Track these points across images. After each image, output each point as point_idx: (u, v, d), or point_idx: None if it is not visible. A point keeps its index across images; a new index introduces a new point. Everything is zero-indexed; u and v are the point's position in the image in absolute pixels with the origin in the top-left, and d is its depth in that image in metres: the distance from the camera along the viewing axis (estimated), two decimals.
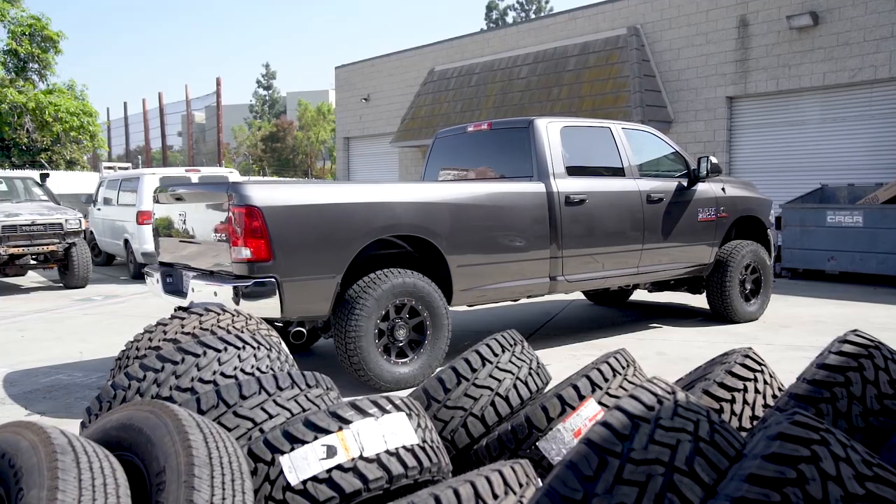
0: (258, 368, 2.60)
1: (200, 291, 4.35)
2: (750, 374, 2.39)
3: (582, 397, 2.40)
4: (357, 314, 4.38)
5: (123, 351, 2.96)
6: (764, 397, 2.37)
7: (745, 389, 2.35)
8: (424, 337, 4.70)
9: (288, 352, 3.08)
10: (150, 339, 2.89)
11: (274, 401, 2.23)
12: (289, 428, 1.96)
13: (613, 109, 12.78)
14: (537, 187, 5.34)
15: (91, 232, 12.99)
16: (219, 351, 2.55)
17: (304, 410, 2.27)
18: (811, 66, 11.54)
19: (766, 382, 2.41)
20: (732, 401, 2.32)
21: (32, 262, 9.91)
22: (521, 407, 2.64)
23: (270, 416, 2.20)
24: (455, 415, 2.55)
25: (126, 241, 11.04)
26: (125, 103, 29.56)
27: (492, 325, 6.80)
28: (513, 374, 2.67)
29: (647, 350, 5.64)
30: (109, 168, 15.77)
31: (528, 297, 5.50)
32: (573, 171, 5.58)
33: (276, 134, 46.10)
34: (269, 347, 2.71)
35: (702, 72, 12.93)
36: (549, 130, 5.54)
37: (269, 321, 4.46)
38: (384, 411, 2.06)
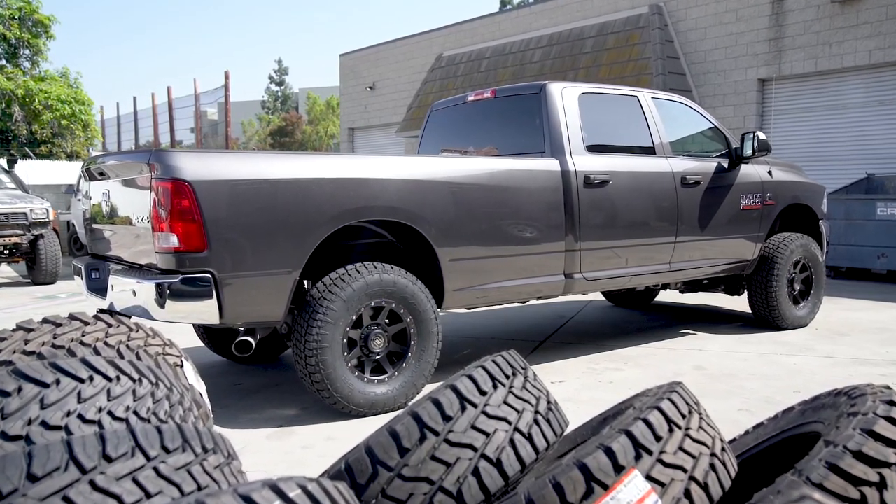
0: (110, 413, 1.67)
1: (120, 290, 3.43)
2: None
3: (620, 468, 1.46)
4: (320, 320, 3.44)
5: None
6: None
7: None
8: (407, 348, 3.75)
9: (191, 382, 2.15)
10: None
11: (91, 482, 1.30)
12: None
13: None
14: (550, 165, 4.38)
15: (72, 224, 12.17)
16: (45, 386, 1.62)
17: (147, 496, 1.35)
18: (855, 44, 10.43)
19: None
20: (882, 485, 1.36)
21: None
22: (522, 476, 1.70)
23: None
24: (416, 490, 1.60)
25: None
26: (134, 98, 28.88)
27: (494, 331, 5.84)
28: (509, 422, 1.72)
29: (683, 363, 4.67)
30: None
31: (539, 298, 4.53)
32: (594, 147, 4.63)
33: (285, 128, 45.26)
34: (137, 378, 1.77)
35: (731, 52, 11.86)
36: (566, 97, 4.58)
37: (204, 329, 3.56)
38: None
